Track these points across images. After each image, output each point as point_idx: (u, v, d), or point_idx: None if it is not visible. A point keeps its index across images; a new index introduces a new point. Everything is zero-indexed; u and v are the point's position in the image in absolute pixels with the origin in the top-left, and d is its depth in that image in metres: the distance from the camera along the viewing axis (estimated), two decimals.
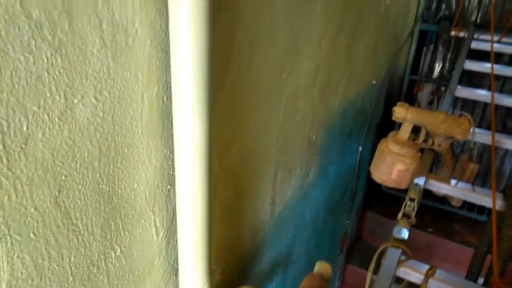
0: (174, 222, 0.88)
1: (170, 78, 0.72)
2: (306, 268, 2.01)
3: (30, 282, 0.58)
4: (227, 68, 0.88)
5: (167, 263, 0.90)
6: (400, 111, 1.17)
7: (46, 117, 0.53)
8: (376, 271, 0.97)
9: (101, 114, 0.61)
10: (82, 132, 0.59)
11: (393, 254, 0.86)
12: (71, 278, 0.65)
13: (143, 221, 0.78)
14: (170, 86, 0.72)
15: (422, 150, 1.26)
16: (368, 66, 1.96)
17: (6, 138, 0.49)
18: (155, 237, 0.83)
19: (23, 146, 0.51)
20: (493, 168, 1.06)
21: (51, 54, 0.51)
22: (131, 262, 0.78)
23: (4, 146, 0.49)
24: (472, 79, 2.67)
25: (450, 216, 3.16)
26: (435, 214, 3.18)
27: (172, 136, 0.78)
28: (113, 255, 0.73)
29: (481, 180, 2.91)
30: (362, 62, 1.84)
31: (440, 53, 2.63)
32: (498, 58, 2.47)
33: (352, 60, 1.70)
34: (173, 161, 0.81)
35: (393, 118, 1.19)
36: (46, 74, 0.51)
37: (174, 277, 0.93)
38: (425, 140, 1.24)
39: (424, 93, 2.77)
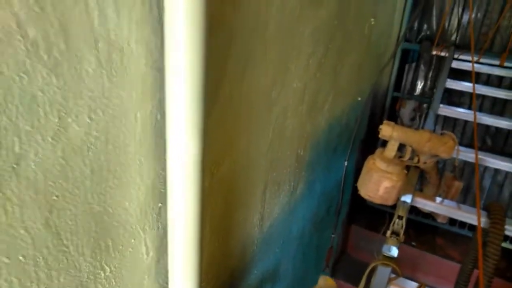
0: (164, 241, 0.86)
1: (163, 96, 0.72)
2: (292, 284, 2.00)
3: None
4: (220, 85, 0.88)
5: (156, 282, 0.88)
6: (386, 130, 1.19)
7: (39, 137, 0.52)
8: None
9: (95, 133, 0.60)
10: (75, 152, 0.58)
11: (383, 272, 0.86)
12: None
13: (133, 241, 0.77)
14: (163, 104, 0.72)
15: (407, 168, 1.29)
16: (353, 83, 2.00)
17: None
18: (145, 256, 0.82)
19: (15, 166, 0.50)
20: (477, 188, 1.09)
21: (47, 74, 0.50)
22: (120, 282, 0.76)
23: None
24: (452, 97, 2.75)
25: (433, 230, 3.21)
26: (419, 228, 3.22)
27: (164, 153, 0.77)
28: (103, 275, 0.71)
29: (462, 194, 2.97)
30: (347, 80, 1.88)
31: (422, 71, 2.71)
32: (477, 77, 2.55)
33: (338, 78, 1.73)
34: (164, 178, 0.80)
35: (380, 136, 1.22)
36: (40, 94, 0.50)
37: None
38: (410, 158, 1.27)
39: (407, 109, 2.83)
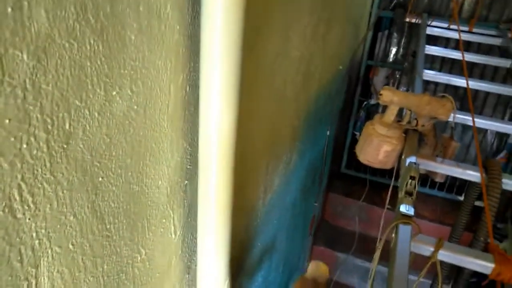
0: (189, 219, 0.83)
1: (193, 67, 0.67)
2: (285, 254, 2.04)
3: None
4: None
5: (182, 262, 0.86)
6: (387, 95, 1.21)
7: (87, 112, 0.47)
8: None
9: (135, 107, 0.55)
10: (118, 128, 0.53)
11: (404, 230, 0.89)
12: None
13: (164, 220, 0.74)
14: (193, 75, 0.68)
15: (405, 132, 1.32)
16: (336, 52, 2.00)
17: (50, 138, 0.43)
18: (173, 236, 0.79)
19: (65, 146, 0.45)
20: (477, 145, 1.14)
21: (94, 41, 0.45)
22: (153, 264, 0.73)
23: (48, 148, 0.43)
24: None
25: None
26: (394, 192, 3.37)
27: (191, 128, 0.73)
28: (139, 258, 0.68)
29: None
30: (333, 49, 1.88)
31: (395, 39, 2.76)
32: (446, 43, 2.65)
33: (326, 47, 1.72)
34: (190, 155, 0.76)
35: (380, 101, 1.23)
36: (88, 64, 0.45)
37: (187, 276, 0.90)
38: (409, 122, 1.30)
39: (379, 77, 2.89)
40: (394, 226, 0.93)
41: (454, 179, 3.19)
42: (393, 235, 0.95)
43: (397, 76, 2.84)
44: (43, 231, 0.45)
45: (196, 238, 0.88)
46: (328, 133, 2.32)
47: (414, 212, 0.94)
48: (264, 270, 1.65)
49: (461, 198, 3.11)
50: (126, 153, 0.56)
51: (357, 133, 3.10)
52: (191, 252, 0.88)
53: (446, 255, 0.89)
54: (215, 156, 0.71)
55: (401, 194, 1.01)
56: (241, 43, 0.62)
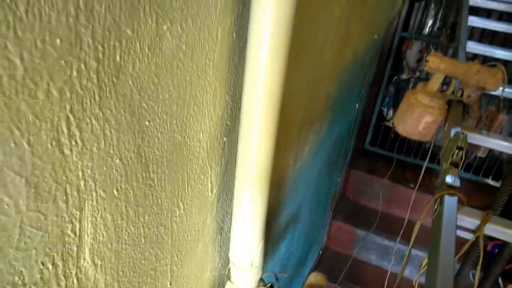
0: (225, 178, 0.80)
1: (241, 11, 0.62)
2: (307, 226, 2.02)
3: (109, 246, 0.50)
4: None
5: (216, 222, 0.83)
6: (434, 61, 1.13)
7: (138, 45, 0.43)
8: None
9: (184, 48, 0.51)
10: (167, 68, 0.49)
11: (450, 201, 0.84)
12: (143, 241, 0.57)
13: (202, 176, 0.70)
14: (240, 21, 0.63)
15: (448, 102, 1.24)
16: (373, 19, 1.90)
17: (101, 68, 0.39)
18: (209, 194, 0.76)
19: (115, 80, 0.41)
20: None
21: None
22: (190, 221, 0.71)
23: (98, 79, 0.39)
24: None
25: (429, 172, 3.29)
26: (416, 170, 3.29)
27: (234, 81, 0.69)
28: (177, 213, 0.65)
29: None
30: (371, 14, 1.78)
31: (432, 10, 2.62)
32: (488, 14, 2.49)
33: (364, 12, 1.63)
34: (231, 110, 0.72)
35: (426, 68, 1.15)
36: None
37: (219, 236, 0.87)
38: (453, 92, 1.22)
39: (413, 51, 2.76)
40: (438, 198, 0.88)
41: (483, 160, 3.09)
42: (436, 207, 0.90)
43: (432, 50, 2.70)
44: (89, 171, 0.42)
45: (230, 200, 0.85)
46: (357, 106, 2.24)
47: (460, 184, 0.89)
48: (288, 239, 1.64)
49: (489, 180, 3.01)
50: (173, 98, 0.52)
51: (384, 109, 3.00)
52: (225, 213, 0.86)
53: (493, 229, 0.84)
54: (259, 114, 0.67)
55: (445, 165, 0.95)
56: None
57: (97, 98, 0.40)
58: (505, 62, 1.86)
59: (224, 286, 0.92)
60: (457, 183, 0.89)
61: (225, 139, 0.74)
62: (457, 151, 0.93)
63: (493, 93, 1.23)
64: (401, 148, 3.29)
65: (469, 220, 0.85)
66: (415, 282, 1.02)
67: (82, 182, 0.42)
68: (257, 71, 0.62)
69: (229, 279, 0.91)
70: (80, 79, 0.37)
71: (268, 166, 0.74)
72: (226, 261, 0.93)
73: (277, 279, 1.07)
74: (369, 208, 3.35)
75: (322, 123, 1.58)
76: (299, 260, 2.05)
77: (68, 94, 0.37)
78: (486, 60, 1.78)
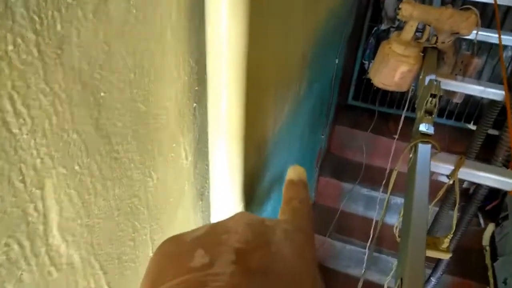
0: (199, 145, 0.80)
1: None
2: None
3: (79, 221, 0.49)
4: None
5: (195, 188, 0.83)
6: (406, 8, 1.11)
7: (80, 12, 0.40)
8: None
9: (134, 11, 0.48)
10: (117, 36, 0.47)
11: (424, 149, 0.85)
12: (116, 213, 0.57)
13: (174, 145, 0.70)
14: None
15: (424, 50, 1.23)
16: None
17: (41, 40, 0.37)
18: (184, 161, 0.75)
19: (59, 52, 0.39)
20: (502, 61, 1.07)
21: None
22: (166, 190, 0.71)
23: (39, 52, 0.37)
24: None
25: (412, 121, 3.32)
26: (399, 121, 3.32)
27: (197, 44, 0.66)
28: (151, 183, 0.65)
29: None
30: None
31: None
32: None
33: None
34: (197, 74, 0.70)
35: (399, 16, 1.13)
36: None
37: (201, 202, 0.88)
38: (427, 39, 1.21)
39: (391, 0, 2.70)
40: (413, 146, 0.90)
41: (464, 106, 3.13)
42: (411, 155, 0.91)
43: None
44: (44, 148, 0.41)
45: (207, 165, 0.85)
46: (336, 61, 2.22)
47: (434, 131, 0.90)
48: (273, 199, 1.66)
49: (470, 126, 3.07)
50: (129, 66, 0.50)
51: (366, 62, 2.97)
52: (203, 178, 0.86)
53: (467, 173, 0.86)
54: (225, 75, 0.65)
55: (420, 114, 0.96)
56: None
57: (41, 72, 0.38)
58: (483, 5, 1.84)
59: None
60: (431, 131, 0.90)
61: (194, 104, 0.73)
62: (431, 98, 0.94)
63: (467, 37, 1.22)
64: (384, 100, 3.30)
65: (443, 166, 0.87)
66: (396, 228, 1.06)
67: (38, 160, 0.41)
68: (217, 24, 0.59)
69: None
70: (18, 53, 0.35)
71: (240, 124, 0.73)
72: None
73: None
74: (355, 162, 3.41)
75: (301, 82, 1.56)
76: None
77: (7, 70, 0.35)
78: (464, 4, 1.75)
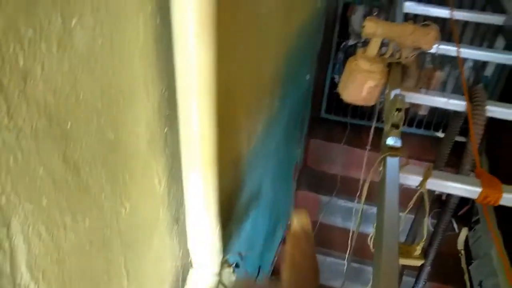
0: (172, 169, 0.79)
1: None
2: (272, 200, 2.05)
3: (49, 258, 0.48)
4: None
5: (170, 214, 0.82)
6: (370, 26, 1.15)
7: (44, 45, 0.40)
8: None
9: (100, 40, 0.48)
10: (83, 65, 0.46)
11: (392, 162, 0.88)
12: (87, 246, 0.55)
13: (147, 171, 0.69)
14: (161, 3, 0.60)
15: (388, 65, 1.28)
16: None
17: (2, 76, 0.36)
18: (158, 187, 0.74)
19: (22, 86, 0.38)
20: (462, 72, 1.12)
21: None
22: (139, 217, 0.69)
23: (2, 87, 0.36)
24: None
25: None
26: (375, 134, 3.40)
27: (166, 68, 0.66)
28: (124, 212, 0.63)
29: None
30: None
31: None
32: None
33: None
34: (168, 98, 0.70)
35: (363, 34, 1.17)
36: None
37: (176, 227, 0.87)
38: (391, 55, 1.25)
39: (357, 16, 2.79)
40: (382, 159, 0.92)
41: (432, 115, 3.24)
42: (381, 168, 0.93)
43: (375, 14, 2.75)
44: (9, 186, 0.39)
45: (182, 189, 0.84)
46: (308, 77, 2.26)
47: (402, 144, 0.93)
48: (252, 217, 1.66)
49: (440, 134, 3.17)
50: (95, 95, 0.50)
51: (336, 76, 3.04)
52: (178, 203, 0.85)
53: (435, 183, 0.89)
54: (195, 99, 0.65)
55: (387, 128, 0.98)
56: None
57: (4, 107, 0.37)
58: (443, 20, 1.93)
59: (188, 274, 0.92)
60: (399, 144, 0.92)
61: (166, 129, 0.72)
62: (396, 112, 0.97)
63: (429, 51, 1.27)
64: (356, 113, 3.37)
65: (412, 178, 0.90)
66: (370, 239, 1.07)
67: (3, 198, 0.39)
68: (185, 51, 0.60)
69: (191, 266, 0.91)
70: None
71: (212, 146, 0.73)
72: (187, 250, 0.93)
73: (241, 259, 1.08)
74: (330, 174, 3.45)
75: (274, 98, 1.58)
76: (267, 236, 2.09)
77: None
78: (425, 20, 1.82)
